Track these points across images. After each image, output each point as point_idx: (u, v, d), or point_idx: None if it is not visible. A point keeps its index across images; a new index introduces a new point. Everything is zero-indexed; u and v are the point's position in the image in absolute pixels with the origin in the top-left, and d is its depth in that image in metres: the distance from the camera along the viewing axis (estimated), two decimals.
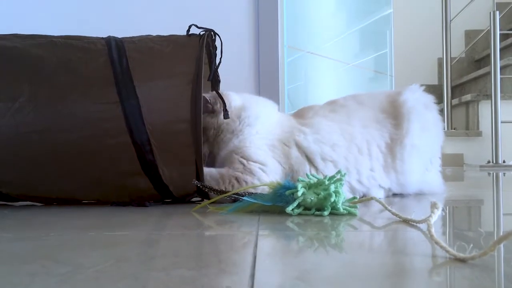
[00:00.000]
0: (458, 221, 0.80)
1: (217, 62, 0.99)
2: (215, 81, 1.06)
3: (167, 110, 0.89)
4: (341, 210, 0.75)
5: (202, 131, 0.88)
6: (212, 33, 0.98)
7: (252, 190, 0.85)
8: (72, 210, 0.88)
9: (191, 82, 0.89)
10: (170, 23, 1.67)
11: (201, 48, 0.92)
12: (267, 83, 1.85)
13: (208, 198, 0.91)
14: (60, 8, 1.84)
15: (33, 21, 1.82)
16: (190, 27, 0.97)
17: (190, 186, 0.90)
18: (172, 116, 0.88)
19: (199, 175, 0.89)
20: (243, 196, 0.82)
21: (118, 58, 0.90)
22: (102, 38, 0.96)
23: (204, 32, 0.96)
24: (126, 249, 0.53)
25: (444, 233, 0.64)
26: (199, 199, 0.97)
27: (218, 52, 1.00)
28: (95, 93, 0.88)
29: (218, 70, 1.03)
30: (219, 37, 0.98)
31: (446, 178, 1.89)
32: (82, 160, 0.88)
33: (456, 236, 0.63)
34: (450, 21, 3.04)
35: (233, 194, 0.83)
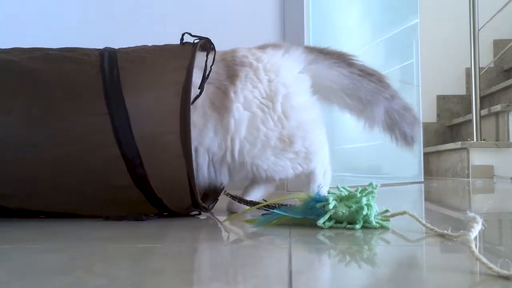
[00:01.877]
0: (490, 235, 0.77)
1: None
2: None
3: (156, 122, 0.87)
4: (374, 223, 0.74)
5: (191, 142, 0.85)
6: (207, 41, 0.95)
7: (286, 202, 0.84)
8: (93, 221, 0.88)
9: (180, 92, 0.86)
10: (192, 29, 1.68)
11: (192, 57, 0.90)
12: None
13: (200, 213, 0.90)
14: (69, 20, 1.88)
15: (42, 34, 1.86)
16: (183, 35, 0.95)
17: (185, 199, 0.89)
18: (161, 127, 0.86)
19: (192, 186, 0.86)
20: (273, 208, 0.82)
21: (109, 69, 0.88)
22: (98, 49, 0.96)
23: (198, 41, 0.94)
24: (159, 262, 0.53)
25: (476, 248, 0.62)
26: (197, 212, 0.95)
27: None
28: (86, 105, 0.87)
29: None
30: (213, 46, 0.96)
31: (476, 190, 1.84)
32: (75, 174, 0.87)
33: (487, 251, 0.61)
34: (478, 30, 2.99)
35: (264, 206, 0.82)
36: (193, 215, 0.96)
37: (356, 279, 0.46)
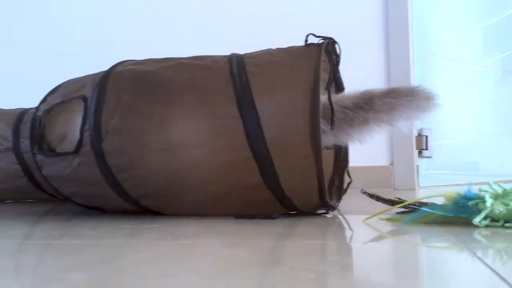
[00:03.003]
0: None
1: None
2: (339, 91, 1.03)
3: (286, 123, 0.89)
4: None
5: (321, 142, 0.86)
6: (331, 41, 0.95)
7: (425, 200, 0.83)
8: (228, 219, 0.92)
9: (309, 92, 0.88)
10: (293, 34, 1.69)
11: (318, 57, 0.91)
12: None
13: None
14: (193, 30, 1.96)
15: (171, 44, 1.96)
16: (307, 36, 0.96)
17: (314, 198, 0.90)
18: (290, 128, 0.88)
19: (321, 186, 0.87)
20: (417, 206, 0.81)
21: (238, 74, 0.92)
22: (226, 56, 1.00)
23: (322, 41, 0.94)
24: (345, 258, 0.55)
25: None
26: (323, 211, 0.97)
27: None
28: (218, 109, 0.91)
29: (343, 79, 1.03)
30: (338, 45, 0.97)
31: None
32: (210, 174, 0.92)
33: None
34: None
35: (409, 204, 0.82)
36: (320, 214, 0.97)
37: None
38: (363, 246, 0.64)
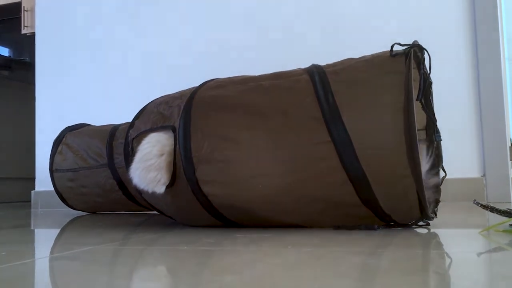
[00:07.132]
0: None
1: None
2: (427, 101, 0.99)
3: (379, 143, 0.86)
4: None
5: (420, 161, 0.83)
6: (418, 49, 0.92)
7: None
8: (326, 230, 0.93)
9: (401, 110, 0.85)
10: (375, 36, 1.66)
11: (407, 71, 0.87)
12: (490, 102, 1.73)
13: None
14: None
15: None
16: (392, 46, 0.93)
17: (414, 213, 0.89)
18: (385, 149, 0.86)
19: (421, 202, 0.86)
20: None
21: (324, 95, 0.91)
22: (305, 70, 0.98)
23: (408, 52, 0.90)
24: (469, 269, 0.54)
25: None
26: (425, 223, 0.95)
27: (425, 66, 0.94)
28: (307, 134, 0.90)
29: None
30: (427, 52, 0.93)
31: None
32: (304, 197, 0.92)
33: None
34: None
35: None
36: (421, 226, 0.95)
37: None
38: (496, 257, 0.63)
